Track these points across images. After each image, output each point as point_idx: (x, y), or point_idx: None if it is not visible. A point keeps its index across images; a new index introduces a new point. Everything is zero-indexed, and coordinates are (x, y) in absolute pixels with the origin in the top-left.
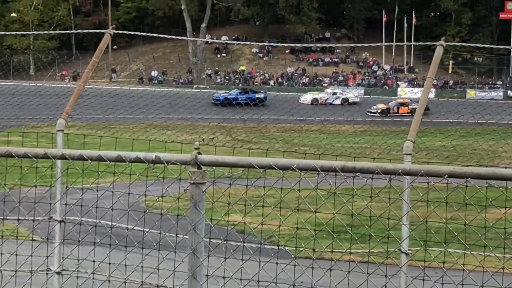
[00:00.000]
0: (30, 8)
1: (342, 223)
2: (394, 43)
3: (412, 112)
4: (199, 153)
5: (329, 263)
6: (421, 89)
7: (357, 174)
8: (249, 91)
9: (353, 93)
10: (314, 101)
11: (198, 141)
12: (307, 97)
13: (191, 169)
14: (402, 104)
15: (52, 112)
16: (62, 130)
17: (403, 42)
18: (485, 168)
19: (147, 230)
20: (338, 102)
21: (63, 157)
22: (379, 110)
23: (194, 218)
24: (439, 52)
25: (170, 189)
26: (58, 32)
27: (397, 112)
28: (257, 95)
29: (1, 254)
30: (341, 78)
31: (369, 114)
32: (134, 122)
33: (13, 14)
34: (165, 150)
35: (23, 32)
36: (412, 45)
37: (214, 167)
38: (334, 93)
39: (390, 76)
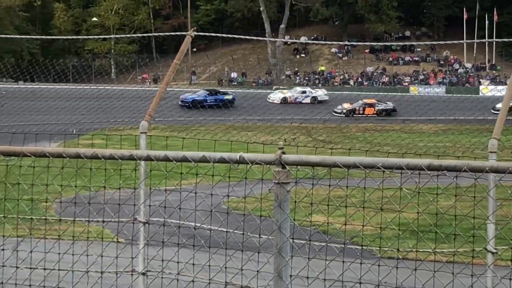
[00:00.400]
0: (111, 13)
1: (427, 223)
2: (475, 40)
3: (378, 113)
4: (283, 153)
5: (414, 263)
6: (505, 86)
7: (442, 172)
8: (217, 92)
9: (322, 92)
10: (283, 100)
11: (280, 141)
12: (276, 96)
13: (275, 168)
14: (369, 105)
15: (134, 114)
16: (145, 132)
17: (485, 39)
18: None
19: (231, 231)
20: (308, 100)
21: (148, 158)
22: (344, 111)
23: (279, 218)
24: None
25: (253, 189)
26: (138, 35)
27: (363, 113)
28: (225, 97)
29: (87, 255)
30: (421, 76)
31: (334, 114)
32: (215, 123)
33: (94, 19)
34: (247, 151)
35: (104, 36)
36: (494, 43)
37: (298, 167)
38: (303, 92)
39: (472, 74)
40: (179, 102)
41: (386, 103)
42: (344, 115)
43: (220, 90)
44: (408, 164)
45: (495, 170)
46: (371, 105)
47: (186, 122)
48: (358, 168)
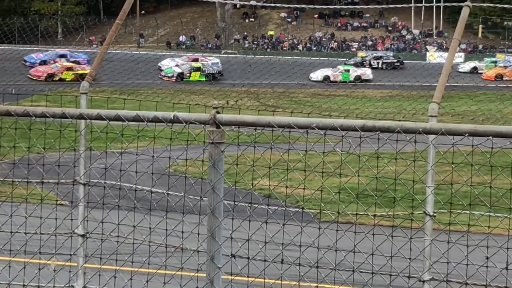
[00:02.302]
0: None
1: (370, 188)
2: (423, 4)
3: None
4: (218, 113)
5: (354, 227)
6: None
7: (377, 133)
8: None
9: None
10: None
11: (218, 102)
12: None
13: (209, 128)
14: None
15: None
16: (86, 93)
17: (432, 6)
18: (507, 127)
19: (168, 192)
20: None
21: (81, 117)
22: None
23: (213, 178)
24: (465, 13)
25: (197, 153)
26: None
27: None
28: None
29: (26, 217)
30: (369, 42)
31: None
32: (163, 87)
33: None
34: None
35: None
36: (441, 10)
37: (233, 127)
38: None
39: (419, 40)
40: None
41: None
42: None
43: None
44: (342, 125)
45: (428, 131)
46: None
47: (136, 85)
48: (293, 128)
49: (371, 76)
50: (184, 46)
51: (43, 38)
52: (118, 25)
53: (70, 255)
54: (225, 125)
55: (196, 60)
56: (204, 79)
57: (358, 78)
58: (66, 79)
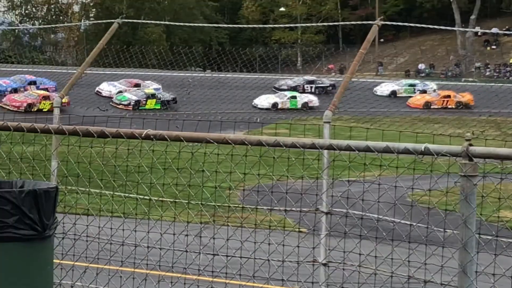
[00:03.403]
0: (298, 3)
1: None
2: None
3: None
4: (470, 145)
5: None
6: None
7: None
8: None
9: None
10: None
11: (468, 133)
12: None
13: (462, 161)
14: None
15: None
16: (329, 122)
17: None
18: None
19: (414, 224)
20: None
21: (330, 147)
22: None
23: (465, 212)
24: None
25: (438, 183)
26: (325, 24)
27: None
28: None
29: (269, 244)
30: None
31: None
32: (399, 115)
33: (282, 9)
34: (432, 143)
35: (290, 25)
36: None
37: (485, 160)
38: None
39: None
40: None
41: None
42: None
43: None
44: None
45: None
46: None
47: (370, 113)
48: None
49: (318, 103)
50: (423, 74)
51: (286, 66)
52: (362, 54)
53: (312, 283)
54: (477, 157)
55: (138, 85)
56: (159, 107)
57: (305, 105)
58: (44, 110)
